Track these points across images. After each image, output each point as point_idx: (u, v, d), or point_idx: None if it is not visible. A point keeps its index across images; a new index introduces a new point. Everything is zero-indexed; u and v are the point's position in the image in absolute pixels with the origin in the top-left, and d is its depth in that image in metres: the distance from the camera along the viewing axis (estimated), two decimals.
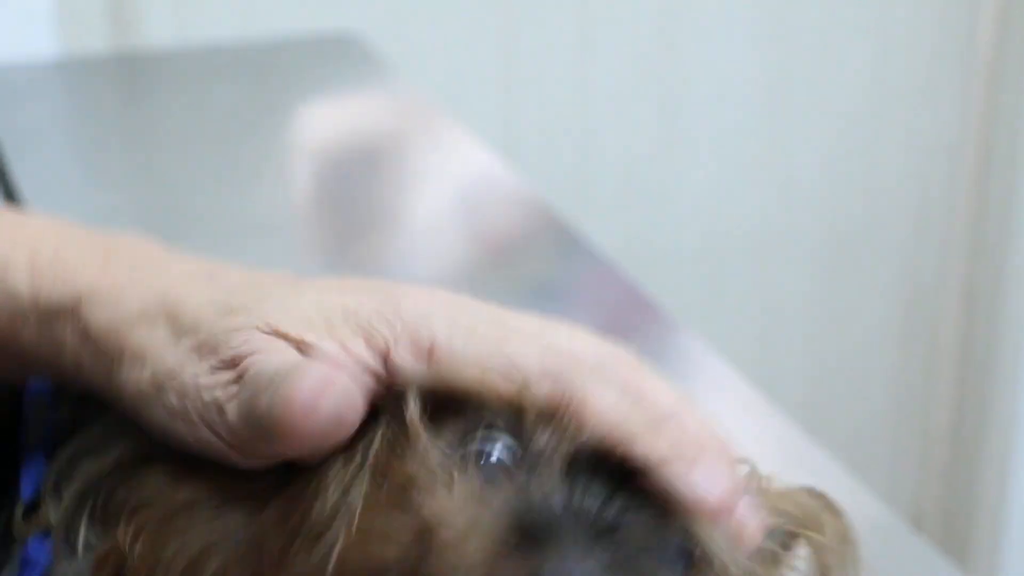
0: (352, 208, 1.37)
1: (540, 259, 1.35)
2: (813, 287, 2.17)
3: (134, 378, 0.67)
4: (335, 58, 1.77)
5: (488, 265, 1.28)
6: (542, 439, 0.57)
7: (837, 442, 1.19)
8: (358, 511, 0.57)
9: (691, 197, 2.11)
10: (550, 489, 0.55)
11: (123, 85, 1.77)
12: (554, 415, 0.57)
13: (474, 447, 0.57)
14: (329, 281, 0.66)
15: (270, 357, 0.60)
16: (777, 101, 2.17)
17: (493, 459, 0.57)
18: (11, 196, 1.36)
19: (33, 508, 0.67)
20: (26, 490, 0.68)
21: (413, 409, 0.57)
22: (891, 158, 2.26)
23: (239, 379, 0.60)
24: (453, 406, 0.58)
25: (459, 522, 0.54)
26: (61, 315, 0.69)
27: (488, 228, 1.35)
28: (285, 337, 0.60)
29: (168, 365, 0.66)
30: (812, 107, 2.18)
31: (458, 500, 0.55)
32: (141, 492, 0.63)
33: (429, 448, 0.57)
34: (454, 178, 1.51)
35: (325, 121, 1.66)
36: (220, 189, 1.39)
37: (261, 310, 0.64)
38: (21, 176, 1.37)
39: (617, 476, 0.56)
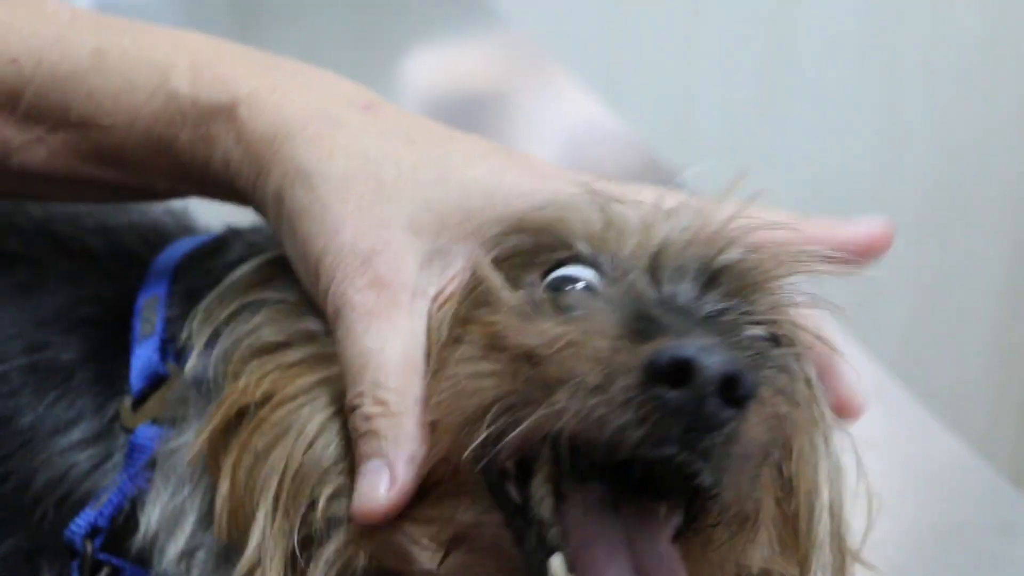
0: None
1: None
2: (918, 238, 2.15)
3: (283, 190, 0.68)
4: (448, 2, 1.76)
5: None
6: (621, 253, 0.60)
7: (936, 397, 1.19)
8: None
9: (793, 146, 2.10)
10: (645, 291, 0.57)
11: (239, 18, 1.75)
12: (622, 230, 0.60)
13: (554, 279, 0.59)
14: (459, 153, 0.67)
15: None
16: (884, 53, 2.15)
17: (578, 287, 0.59)
18: None
19: (141, 400, 0.70)
20: (135, 383, 0.70)
21: (484, 261, 0.60)
22: (999, 112, 2.23)
23: None
24: (529, 255, 0.61)
25: (566, 333, 0.56)
26: (219, 115, 0.70)
27: (593, 170, 1.42)
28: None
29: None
30: (919, 60, 2.16)
31: (551, 324, 0.56)
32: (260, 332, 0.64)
33: (506, 290, 0.59)
34: (561, 122, 1.51)
35: (437, 64, 1.65)
36: None
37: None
38: None
39: (700, 279, 0.59)
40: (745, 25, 2.08)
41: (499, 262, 0.62)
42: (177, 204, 0.82)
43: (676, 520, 0.57)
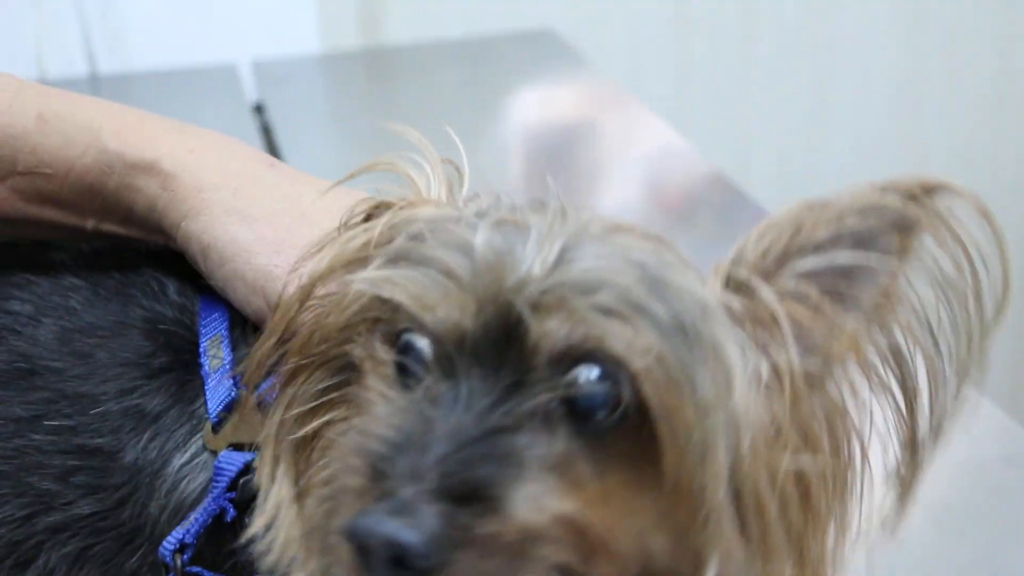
0: (555, 175, 1.27)
1: (713, 216, 1.34)
2: None
3: (214, 228, 0.74)
4: (538, 50, 1.83)
5: (670, 221, 1.31)
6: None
7: None
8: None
9: (835, 175, 2.06)
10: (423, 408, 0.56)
11: (371, 73, 1.85)
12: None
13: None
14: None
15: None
16: (911, 93, 2.15)
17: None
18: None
19: (219, 424, 0.74)
20: (212, 409, 0.75)
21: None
22: (1016, 147, 2.22)
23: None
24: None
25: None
26: (142, 168, 0.76)
27: (669, 190, 1.33)
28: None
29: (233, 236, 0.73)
30: (944, 99, 2.16)
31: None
32: None
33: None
34: (639, 146, 1.54)
35: (536, 103, 1.70)
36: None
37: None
38: (287, 147, 1.48)
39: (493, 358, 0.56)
40: (792, 60, 2.11)
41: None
42: None
43: None
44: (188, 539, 0.73)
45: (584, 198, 1.34)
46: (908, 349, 0.58)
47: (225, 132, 0.81)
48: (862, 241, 0.58)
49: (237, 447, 0.74)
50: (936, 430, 0.57)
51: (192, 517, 0.73)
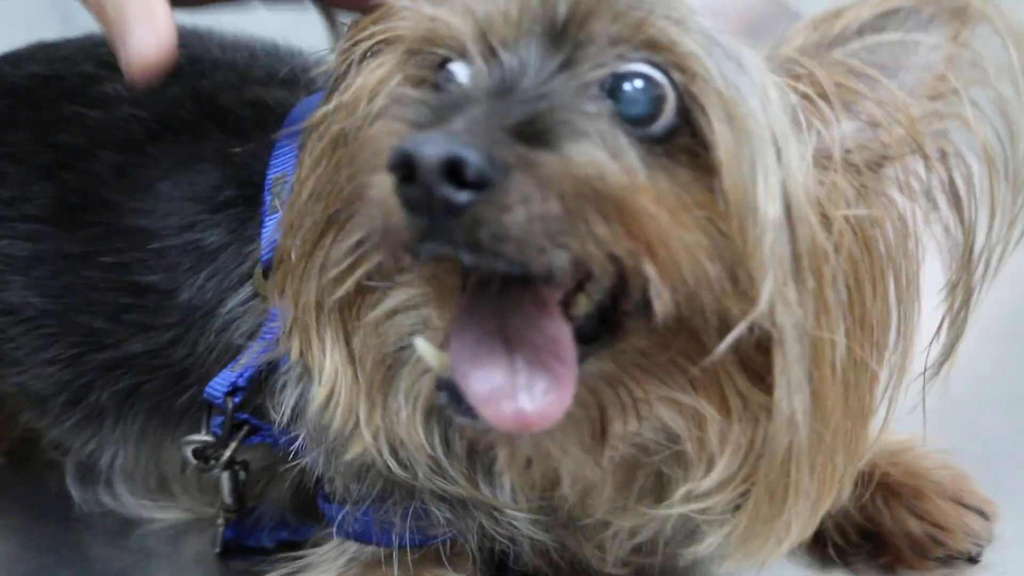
0: None
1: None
2: None
3: None
4: None
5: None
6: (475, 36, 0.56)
7: None
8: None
9: None
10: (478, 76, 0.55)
11: None
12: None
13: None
14: None
15: None
16: None
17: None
18: None
19: (270, 269, 0.69)
20: (265, 253, 0.73)
21: None
22: None
23: None
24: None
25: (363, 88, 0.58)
26: None
27: (730, 10, 1.36)
28: None
29: None
30: None
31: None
32: None
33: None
34: None
35: None
36: None
37: None
38: None
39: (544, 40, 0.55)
40: None
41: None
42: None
43: (557, 298, 0.53)
44: (241, 382, 0.72)
45: None
46: (959, 149, 0.57)
47: None
48: (915, 21, 0.57)
49: None
50: (999, 242, 0.57)
51: (243, 360, 0.72)
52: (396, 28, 0.60)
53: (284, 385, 0.70)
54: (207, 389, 0.73)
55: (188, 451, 0.75)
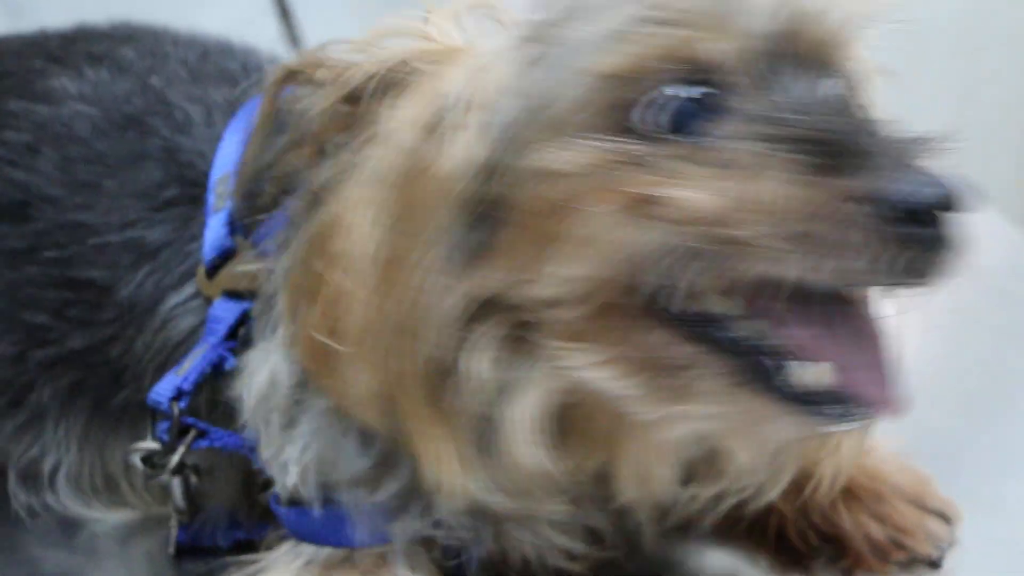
0: None
1: None
2: None
3: None
4: None
5: None
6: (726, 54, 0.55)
7: None
8: None
9: None
10: (780, 104, 0.54)
11: None
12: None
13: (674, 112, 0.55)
14: None
15: None
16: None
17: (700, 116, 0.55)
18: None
19: (214, 270, 0.71)
20: (207, 253, 0.72)
21: None
22: None
23: None
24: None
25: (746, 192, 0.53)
26: None
27: None
28: None
29: None
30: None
31: (717, 180, 0.53)
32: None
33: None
34: None
35: None
36: None
37: None
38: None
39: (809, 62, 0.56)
40: None
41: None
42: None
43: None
44: (186, 387, 0.71)
45: None
46: None
47: None
48: None
49: (233, 295, 0.71)
50: None
51: (188, 364, 0.71)
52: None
53: (233, 387, 0.69)
54: (151, 394, 0.71)
55: (136, 458, 0.73)
